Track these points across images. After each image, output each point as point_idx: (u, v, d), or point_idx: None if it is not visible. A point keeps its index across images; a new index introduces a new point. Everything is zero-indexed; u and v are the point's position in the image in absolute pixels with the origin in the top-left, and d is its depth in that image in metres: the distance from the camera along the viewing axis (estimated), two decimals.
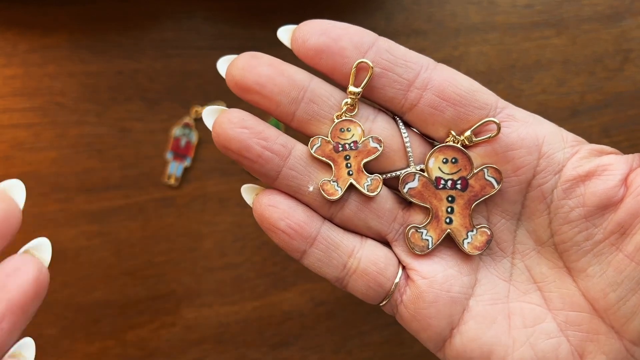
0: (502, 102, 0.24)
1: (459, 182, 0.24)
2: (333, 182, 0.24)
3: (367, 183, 0.24)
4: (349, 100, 0.24)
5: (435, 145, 0.24)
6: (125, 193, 0.38)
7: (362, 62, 0.23)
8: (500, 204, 0.24)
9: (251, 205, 0.24)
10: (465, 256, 0.24)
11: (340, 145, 0.24)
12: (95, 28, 0.38)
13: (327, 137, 0.24)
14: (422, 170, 0.24)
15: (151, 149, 0.38)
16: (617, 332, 0.22)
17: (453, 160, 0.24)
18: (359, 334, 0.39)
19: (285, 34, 0.24)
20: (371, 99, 0.24)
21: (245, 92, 0.23)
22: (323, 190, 0.24)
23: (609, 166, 0.23)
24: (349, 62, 0.23)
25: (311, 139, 0.24)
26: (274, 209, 0.23)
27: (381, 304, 0.25)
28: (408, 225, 0.24)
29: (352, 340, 0.38)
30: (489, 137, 0.23)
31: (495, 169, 0.23)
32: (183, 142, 0.38)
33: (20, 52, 0.38)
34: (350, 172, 0.24)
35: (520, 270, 0.25)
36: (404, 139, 0.24)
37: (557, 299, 0.24)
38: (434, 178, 0.24)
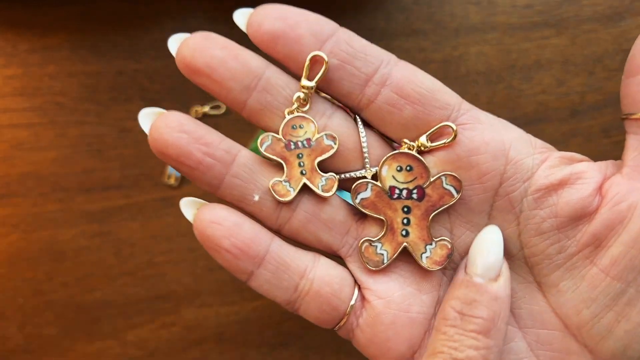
0: (466, 104, 0.22)
1: (414, 191, 0.22)
2: (285, 182, 0.22)
3: (321, 183, 0.22)
4: (301, 95, 0.22)
5: (393, 148, 0.23)
6: (125, 193, 0.38)
7: (316, 54, 0.21)
8: (464, 215, 0.23)
9: (192, 222, 0.22)
10: (425, 272, 0.23)
11: (292, 143, 0.22)
12: (95, 28, 0.38)
13: (278, 135, 0.22)
14: (376, 174, 0.23)
15: (151, 149, 0.38)
16: (591, 351, 0.21)
17: (408, 168, 0.22)
18: None
19: (242, 17, 0.22)
20: (327, 92, 0.23)
21: (194, 75, 0.21)
22: (274, 191, 0.22)
23: (582, 174, 0.21)
24: (305, 50, 0.21)
25: (260, 137, 0.22)
26: (217, 227, 0.21)
27: (336, 328, 0.23)
28: (362, 239, 0.23)
29: None
30: (444, 142, 0.22)
31: (454, 176, 0.22)
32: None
33: (20, 52, 0.38)
34: (304, 172, 0.22)
35: None
36: (361, 138, 0.23)
37: (527, 316, 0.22)
38: (387, 187, 0.22)
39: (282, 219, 0.23)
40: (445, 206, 0.22)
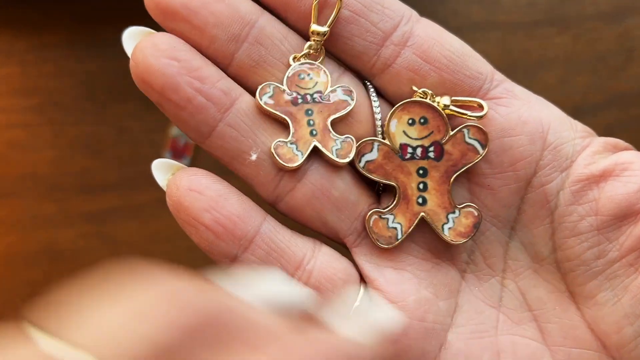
0: (499, 75, 0.19)
1: (431, 148, 0.19)
2: (291, 144, 0.18)
3: (335, 146, 0.18)
4: (312, 44, 0.18)
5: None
6: (124, 193, 0.37)
7: None
8: (491, 207, 0.19)
9: (164, 188, 0.18)
10: (445, 272, 0.19)
11: (299, 97, 0.18)
12: (93, 27, 0.38)
13: (282, 85, 0.18)
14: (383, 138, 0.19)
15: (149, 149, 0.38)
16: None
17: (422, 120, 0.18)
18: None
19: None
20: (334, 52, 0.19)
21: (169, 18, 0.18)
22: (277, 155, 0.18)
23: (630, 165, 0.18)
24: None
25: (260, 87, 0.18)
26: (197, 196, 0.17)
27: None
28: (369, 211, 0.19)
29: None
30: (472, 116, 0.18)
31: (478, 127, 0.18)
32: (181, 141, 0.38)
33: (17, 51, 0.37)
34: (314, 132, 0.18)
35: (513, 294, 0.20)
36: (374, 108, 0.19)
37: (557, 331, 0.19)
38: (398, 146, 0.19)
39: (282, 189, 0.18)
40: (470, 165, 0.18)
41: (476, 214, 0.19)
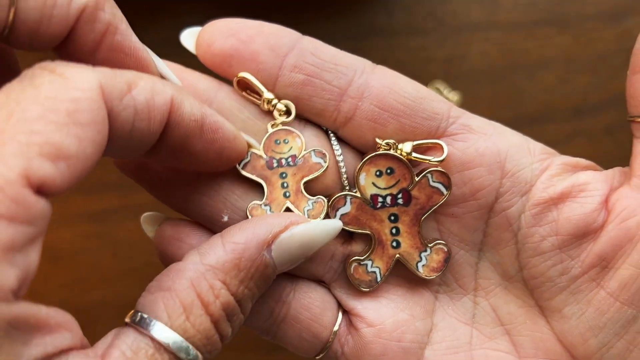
0: (455, 110, 0.20)
1: (399, 195, 0.20)
2: (265, 206, 0.19)
3: (307, 207, 0.20)
4: (282, 107, 0.19)
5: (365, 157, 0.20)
6: (123, 193, 0.37)
7: (241, 76, 0.19)
8: (457, 233, 0.20)
9: (152, 239, 0.20)
10: (418, 296, 0.20)
11: (275, 161, 0.20)
12: None
13: (259, 150, 0.20)
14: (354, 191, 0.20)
15: None
16: None
17: (388, 170, 0.20)
18: None
19: (189, 38, 0.20)
20: (298, 112, 0.20)
21: None
22: (251, 217, 0.19)
23: (586, 186, 0.19)
24: (264, 68, 0.19)
25: None
26: (180, 245, 0.19)
27: (317, 358, 0.21)
28: (349, 259, 0.20)
29: None
30: (432, 160, 0.19)
31: (440, 171, 0.20)
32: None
33: (17, 52, 0.37)
34: (287, 194, 0.20)
35: (485, 311, 0.21)
36: (337, 156, 0.20)
37: (529, 344, 0.20)
38: (369, 197, 0.20)
39: None
40: (436, 206, 0.20)
41: (446, 249, 0.20)
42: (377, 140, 0.20)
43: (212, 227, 0.20)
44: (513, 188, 0.20)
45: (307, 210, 0.20)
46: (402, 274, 0.21)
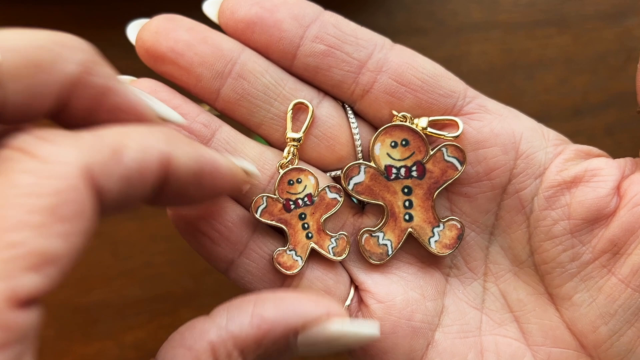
0: (471, 91, 0.20)
1: (414, 168, 0.20)
2: (290, 251, 0.19)
3: (331, 245, 0.20)
4: (291, 149, 0.20)
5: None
6: None
7: (298, 102, 0.19)
8: (469, 214, 0.20)
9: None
10: (430, 276, 0.20)
11: (291, 203, 0.19)
12: (92, 28, 0.38)
13: (274, 195, 0.19)
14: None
15: None
16: None
17: (403, 142, 0.20)
18: None
19: (212, 7, 0.20)
20: (315, 83, 0.20)
21: (158, 62, 0.19)
22: (279, 264, 0.19)
23: (599, 171, 0.19)
24: (287, 36, 0.19)
25: (254, 199, 0.19)
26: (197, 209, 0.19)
27: None
28: (360, 231, 0.20)
29: None
30: (448, 136, 0.19)
31: (456, 146, 0.19)
32: None
33: None
34: (310, 235, 0.20)
35: (494, 296, 0.21)
36: (353, 129, 0.20)
37: (538, 332, 0.20)
38: (383, 167, 0.20)
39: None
40: (450, 181, 0.20)
41: (459, 226, 0.20)
42: (394, 112, 0.20)
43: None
44: (527, 170, 0.20)
45: (332, 249, 0.20)
46: (414, 252, 0.21)
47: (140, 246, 0.37)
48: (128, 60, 0.39)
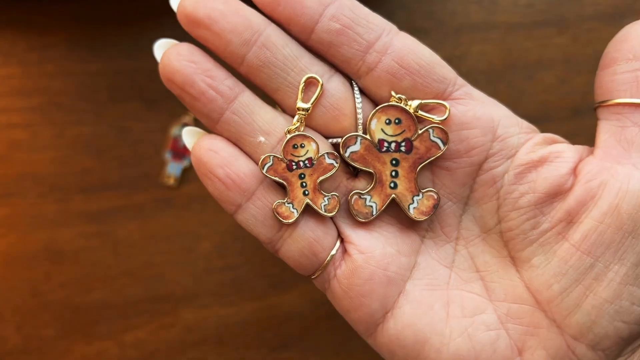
0: (460, 80, 0.23)
1: (403, 144, 0.23)
2: (288, 203, 0.23)
3: (324, 203, 0.23)
4: (299, 117, 0.23)
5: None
6: (124, 193, 0.38)
7: (310, 77, 0.22)
8: (448, 185, 0.23)
9: (190, 149, 0.23)
10: (407, 236, 0.23)
11: (294, 164, 0.23)
12: (94, 27, 0.38)
13: (280, 155, 0.22)
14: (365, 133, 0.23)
15: (150, 149, 0.38)
16: (559, 326, 0.22)
17: (396, 120, 0.23)
18: (359, 336, 0.38)
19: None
20: (327, 57, 0.23)
21: (195, 26, 0.22)
22: (277, 214, 0.22)
23: (561, 153, 0.22)
24: (308, 13, 0.22)
25: (262, 158, 0.22)
26: (214, 155, 0.22)
27: (313, 277, 0.24)
28: (351, 192, 0.23)
29: (353, 342, 0.38)
30: (436, 119, 0.22)
31: (441, 128, 0.22)
32: (182, 142, 0.38)
33: (18, 51, 0.38)
34: (306, 192, 0.23)
35: (463, 258, 0.24)
36: (357, 104, 0.23)
37: (499, 289, 0.23)
38: (377, 140, 0.23)
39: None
40: (432, 158, 0.23)
41: (436, 197, 0.23)
42: (392, 93, 0.23)
43: (240, 145, 0.23)
44: (501, 151, 0.23)
45: (324, 206, 0.23)
46: (395, 215, 0.24)
47: (140, 246, 0.37)
48: (128, 59, 0.39)
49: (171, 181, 0.38)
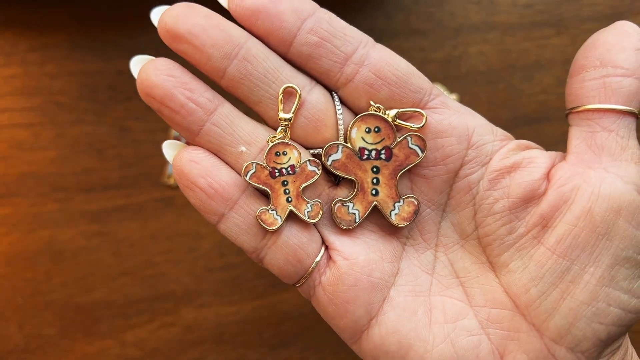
0: (436, 90, 0.24)
1: (383, 151, 0.23)
2: (272, 210, 0.23)
3: (307, 209, 0.23)
4: (281, 128, 0.23)
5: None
6: (125, 193, 0.38)
7: (288, 87, 0.22)
8: (426, 193, 0.24)
9: (171, 162, 0.23)
10: (389, 242, 0.24)
11: (276, 171, 0.23)
12: (94, 27, 0.38)
13: (263, 163, 0.23)
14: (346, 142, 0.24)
15: (151, 149, 0.38)
16: (538, 329, 0.22)
17: (376, 129, 0.23)
18: None
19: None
20: (307, 69, 0.23)
21: (176, 41, 0.22)
22: (261, 221, 0.22)
23: (534, 159, 0.23)
24: (286, 26, 0.22)
25: (245, 165, 0.22)
26: (195, 165, 0.22)
27: (298, 285, 0.24)
28: (334, 200, 0.23)
29: None
30: (413, 126, 0.23)
31: (419, 136, 0.23)
32: (182, 141, 0.38)
33: (19, 52, 0.38)
34: (289, 199, 0.23)
35: (443, 264, 0.24)
36: (338, 114, 0.23)
37: (479, 295, 0.23)
38: (357, 149, 0.23)
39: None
40: (411, 165, 0.23)
41: (416, 203, 0.24)
42: (371, 102, 0.23)
43: (222, 156, 0.23)
44: (476, 158, 0.23)
45: (307, 212, 0.23)
46: (377, 222, 0.24)
47: (141, 246, 0.38)
48: (128, 59, 0.39)
49: (171, 181, 0.38)
